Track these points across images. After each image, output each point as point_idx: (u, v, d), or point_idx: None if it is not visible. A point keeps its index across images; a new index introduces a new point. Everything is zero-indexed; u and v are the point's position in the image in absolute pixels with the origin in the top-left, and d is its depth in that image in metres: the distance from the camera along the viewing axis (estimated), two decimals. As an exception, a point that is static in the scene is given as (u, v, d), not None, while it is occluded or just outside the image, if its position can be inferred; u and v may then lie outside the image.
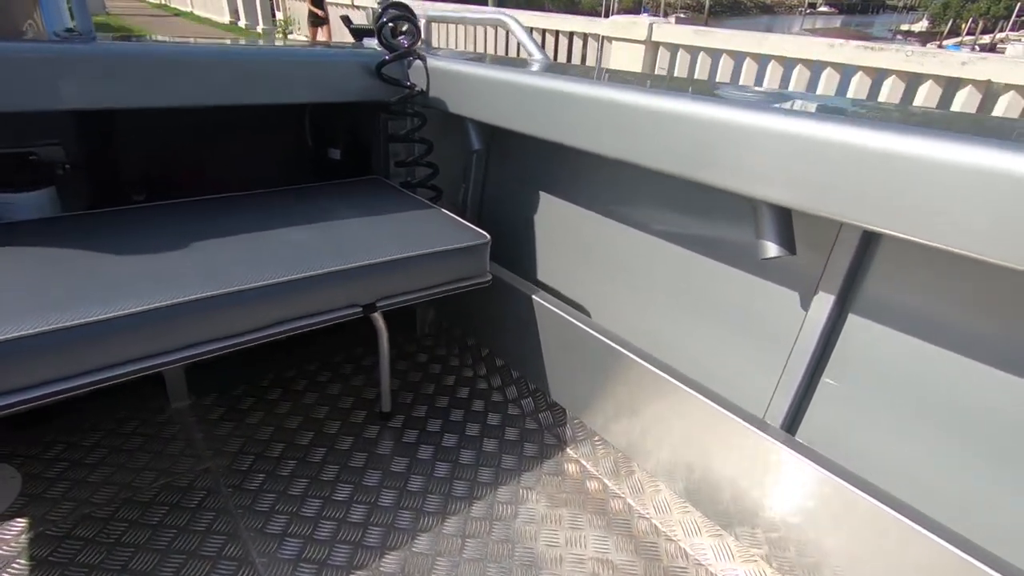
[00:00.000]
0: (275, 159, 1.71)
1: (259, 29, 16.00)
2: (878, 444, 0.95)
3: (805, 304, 0.99)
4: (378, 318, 1.17)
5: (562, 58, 7.97)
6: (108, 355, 0.83)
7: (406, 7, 1.42)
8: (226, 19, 18.40)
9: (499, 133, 1.31)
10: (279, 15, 15.14)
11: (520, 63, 1.42)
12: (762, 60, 5.88)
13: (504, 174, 1.54)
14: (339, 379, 1.54)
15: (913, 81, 5.01)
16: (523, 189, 1.48)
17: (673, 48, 6.61)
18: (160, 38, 1.32)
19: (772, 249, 0.92)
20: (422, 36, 1.45)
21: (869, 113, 0.85)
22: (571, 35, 7.71)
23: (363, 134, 1.68)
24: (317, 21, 10.97)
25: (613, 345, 1.20)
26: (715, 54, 6.24)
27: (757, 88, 0.96)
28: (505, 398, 1.52)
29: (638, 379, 1.18)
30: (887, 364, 0.93)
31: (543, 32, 8.05)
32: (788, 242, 0.92)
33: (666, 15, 48.85)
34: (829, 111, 0.83)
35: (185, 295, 0.88)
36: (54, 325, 0.77)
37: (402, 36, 1.44)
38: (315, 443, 1.33)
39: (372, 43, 1.72)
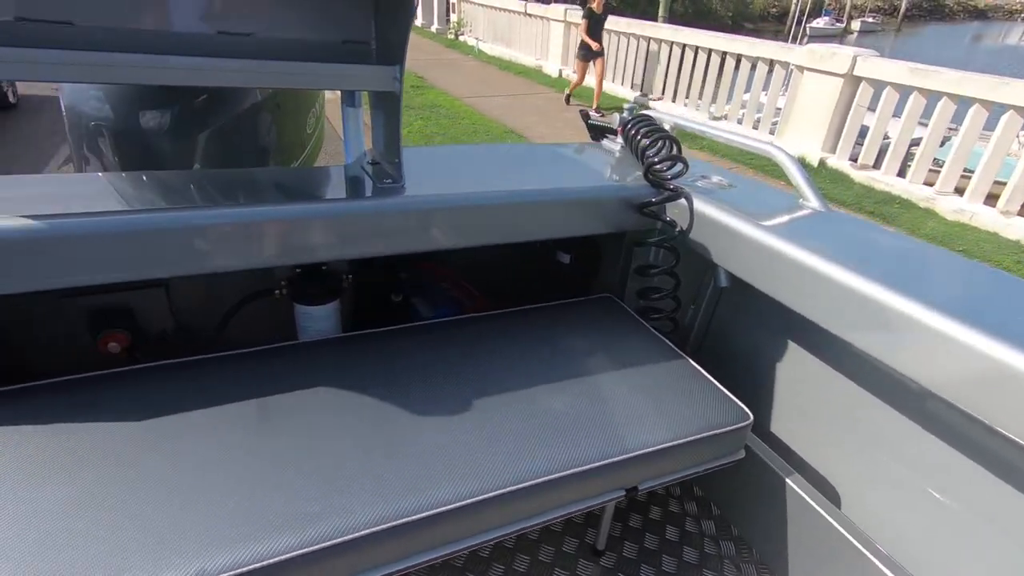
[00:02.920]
0: (505, 256, 1.75)
1: (433, 29, 16.97)
2: None
3: None
4: None
5: (740, 87, 7.47)
6: (414, 545, 0.89)
7: (677, 143, 1.37)
8: (404, 17, 19.71)
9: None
10: (453, 17, 15.93)
11: (793, 209, 1.31)
12: (995, 109, 5.05)
13: (743, 313, 1.44)
14: None
15: None
16: (764, 334, 1.37)
17: (878, 85, 5.92)
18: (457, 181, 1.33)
19: None
20: (688, 169, 1.40)
21: None
22: (755, 61, 7.21)
23: (595, 244, 1.66)
24: (589, 55, 8.53)
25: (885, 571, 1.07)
26: (932, 96, 5.48)
27: None
28: (720, 553, 1.44)
29: None
30: None
31: (723, 55, 7.61)
32: None
33: (851, 19, 43.95)
34: None
35: (488, 489, 0.90)
36: (399, 520, 0.84)
37: (664, 165, 1.38)
38: (532, 572, 1.35)
39: (612, 146, 1.70)
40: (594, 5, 8.34)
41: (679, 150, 1.37)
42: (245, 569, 0.74)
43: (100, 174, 1.19)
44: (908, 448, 1.09)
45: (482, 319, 1.37)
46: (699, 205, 1.32)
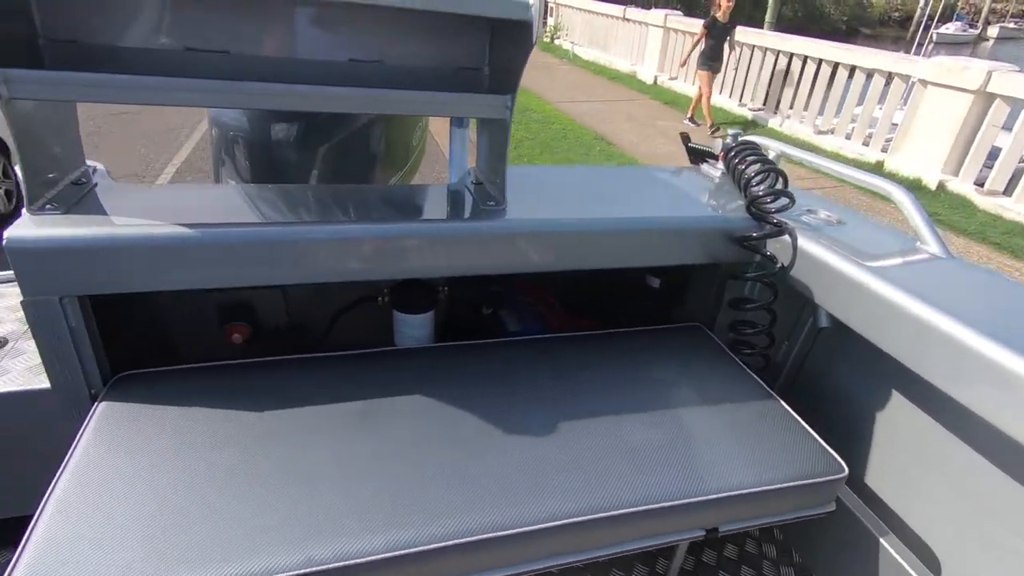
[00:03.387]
0: (594, 275, 1.76)
1: (530, 32, 17.12)
2: None
3: None
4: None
5: (851, 100, 6.98)
6: (493, 559, 0.93)
7: (784, 176, 1.33)
8: (502, 19, 20.04)
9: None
10: (550, 21, 16.00)
11: (908, 252, 1.24)
12: None
13: (842, 356, 1.37)
14: None
15: None
16: (864, 381, 1.30)
17: (1016, 103, 5.34)
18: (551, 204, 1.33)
19: None
20: (795, 203, 1.34)
21: None
22: (871, 73, 6.71)
23: (687, 271, 1.64)
24: (716, 64, 7.54)
25: None
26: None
27: None
28: None
29: None
30: None
31: (834, 66, 7.14)
32: None
33: (987, 24, 39.60)
34: None
35: (569, 514, 0.93)
36: (485, 534, 0.88)
37: (769, 199, 1.34)
38: None
39: (712, 172, 1.67)
40: (719, 13, 7.25)
41: (786, 183, 1.33)
42: (347, 563, 0.81)
43: (234, 184, 1.32)
44: (1021, 519, 1.00)
45: (570, 339, 1.39)
46: (804, 242, 1.27)
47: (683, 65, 8.28)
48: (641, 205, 1.38)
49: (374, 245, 1.13)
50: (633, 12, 11.43)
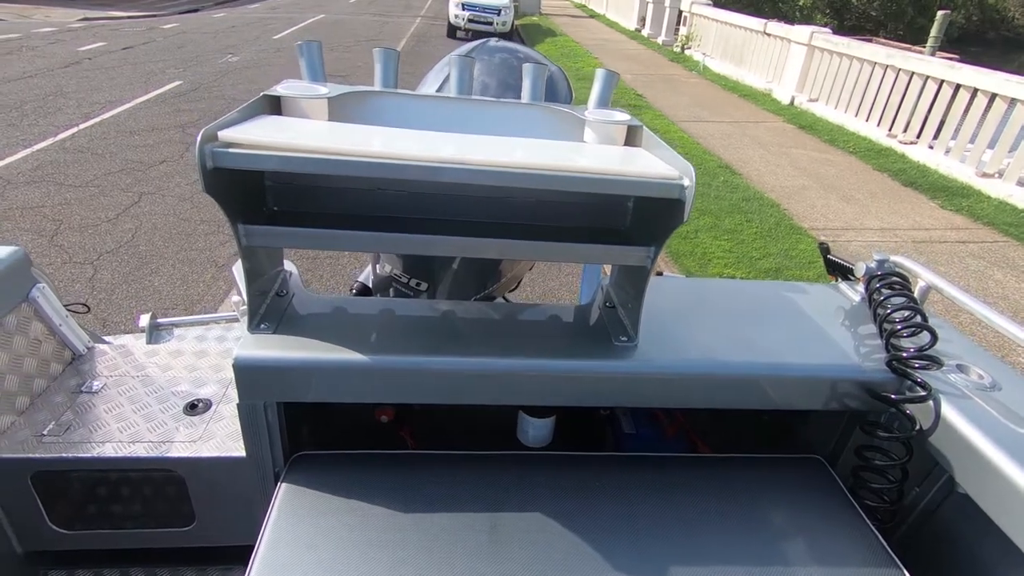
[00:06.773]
0: None
1: (659, 40, 16.72)
2: None
3: None
4: None
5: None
6: None
7: (934, 334, 1.26)
8: (632, 26, 19.76)
9: None
10: (683, 30, 15.49)
11: None
12: None
13: (978, 528, 1.29)
14: None
15: None
16: (1002, 565, 1.22)
17: None
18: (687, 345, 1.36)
19: None
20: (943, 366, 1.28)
21: None
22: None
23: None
24: None
25: None
26: None
27: None
28: None
29: None
30: None
31: (1011, 102, 6.29)
32: None
33: None
34: None
35: None
36: None
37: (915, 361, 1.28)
38: None
39: (851, 294, 1.62)
40: None
41: (934, 340, 1.28)
42: None
43: (395, 300, 1.49)
44: None
45: (686, 461, 1.44)
46: (947, 409, 1.22)
47: None
48: (773, 341, 1.38)
49: (510, 378, 1.25)
50: (775, 26, 10.79)
